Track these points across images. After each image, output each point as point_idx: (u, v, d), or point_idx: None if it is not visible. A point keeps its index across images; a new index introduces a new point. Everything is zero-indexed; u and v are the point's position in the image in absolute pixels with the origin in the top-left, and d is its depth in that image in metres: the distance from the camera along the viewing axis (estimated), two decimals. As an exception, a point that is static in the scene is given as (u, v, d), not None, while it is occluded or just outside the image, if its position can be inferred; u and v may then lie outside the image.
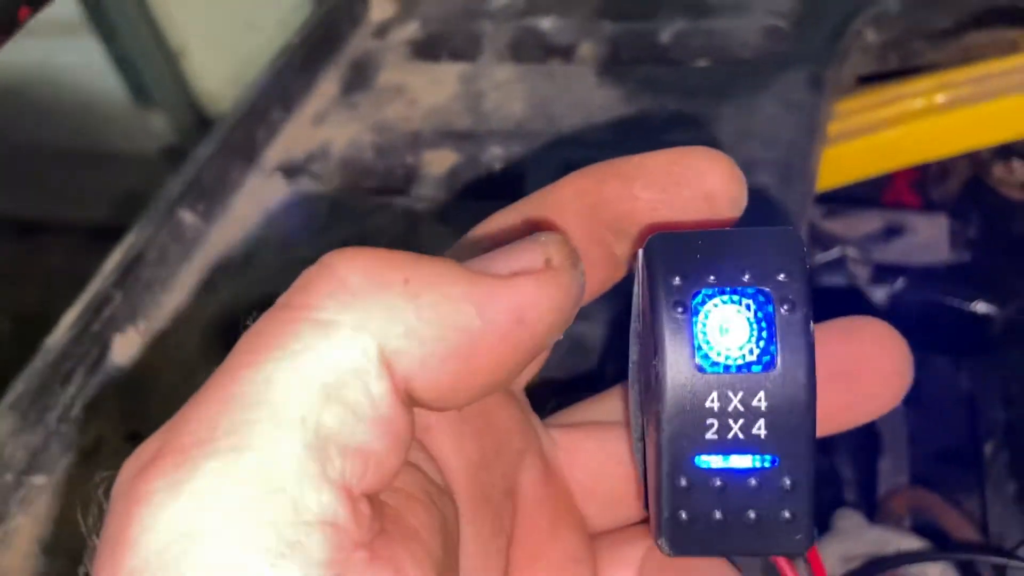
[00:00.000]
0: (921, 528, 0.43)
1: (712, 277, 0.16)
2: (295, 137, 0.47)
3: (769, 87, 0.44)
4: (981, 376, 0.47)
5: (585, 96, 0.46)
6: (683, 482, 0.16)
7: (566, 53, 0.50)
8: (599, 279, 0.19)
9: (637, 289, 0.18)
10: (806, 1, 0.47)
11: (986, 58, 0.47)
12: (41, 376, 0.34)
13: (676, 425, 0.16)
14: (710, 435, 0.16)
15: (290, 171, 0.45)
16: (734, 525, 0.17)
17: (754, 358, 0.16)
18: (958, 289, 0.45)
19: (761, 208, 0.39)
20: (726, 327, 0.16)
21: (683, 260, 0.16)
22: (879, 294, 0.47)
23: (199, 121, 1.01)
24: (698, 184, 0.18)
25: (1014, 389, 0.46)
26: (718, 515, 0.17)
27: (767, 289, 0.16)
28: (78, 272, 0.40)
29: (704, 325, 0.16)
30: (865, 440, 0.51)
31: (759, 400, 0.16)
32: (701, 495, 0.16)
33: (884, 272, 0.47)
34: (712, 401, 0.16)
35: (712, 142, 0.42)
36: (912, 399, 0.56)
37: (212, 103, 1.00)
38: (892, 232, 0.55)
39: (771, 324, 0.16)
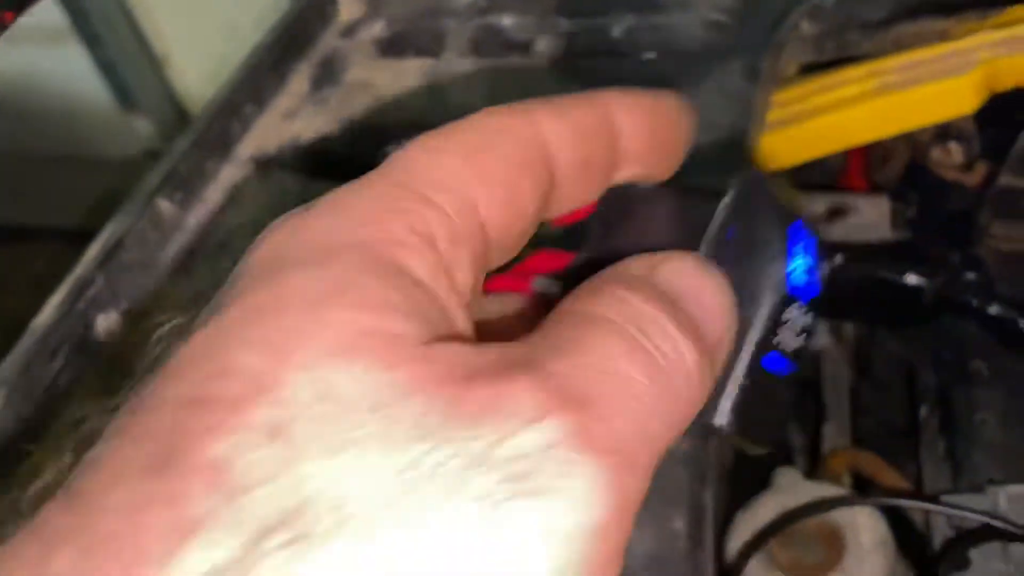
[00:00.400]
0: (858, 486, 0.46)
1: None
2: (267, 131, 0.49)
3: (710, 77, 0.47)
4: (916, 345, 0.50)
5: (540, 89, 0.49)
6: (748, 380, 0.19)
7: (524, 48, 0.53)
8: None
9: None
10: (747, -4, 0.50)
11: (916, 47, 0.50)
12: (28, 353, 0.37)
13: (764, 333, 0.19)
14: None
15: (262, 162, 0.47)
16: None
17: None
18: (892, 264, 0.48)
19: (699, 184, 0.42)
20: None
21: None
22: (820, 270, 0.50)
23: (183, 125, 1.03)
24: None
25: (944, 355, 0.49)
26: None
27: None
28: (64, 277, 0.42)
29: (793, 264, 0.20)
30: (812, 409, 0.54)
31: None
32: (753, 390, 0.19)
33: (826, 249, 0.50)
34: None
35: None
36: (858, 370, 0.59)
37: (196, 106, 1.02)
38: (836, 214, 0.58)
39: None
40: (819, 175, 0.60)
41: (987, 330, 0.46)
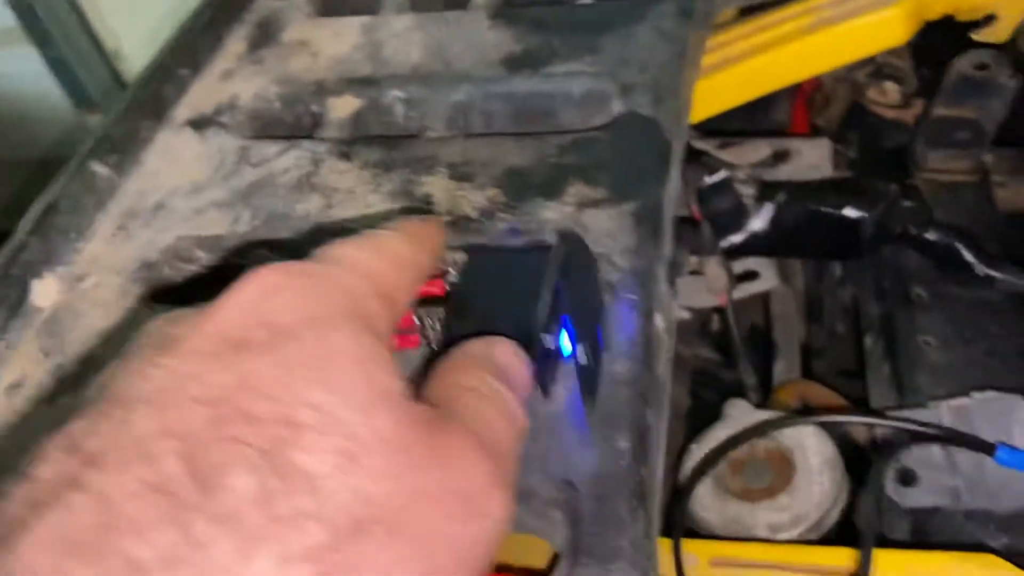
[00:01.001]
0: (807, 414, 0.47)
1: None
2: (204, 93, 0.49)
3: (645, 19, 0.47)
4: (860, 277, 0.51)
5: (478, 39, 0.49)
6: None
7: (463, 2, 0.52)
8: None
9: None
10: (680, -60, 0.50)
11: (848, -17, 0.51)
12: (-37, 318, 0.36)
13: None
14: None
15: (199, 124, 0.47)
16: None
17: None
18: (832, 198, 0.49)
19: (639, 124, 0.42)
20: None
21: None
22: (764, 210, 0.50)
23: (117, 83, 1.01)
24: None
25: (885, 284, 0.50)
26: None
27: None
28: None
29: None
30: (763, 349, 0.55)
31: None
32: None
33: (768, 189, 0.51)
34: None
35: (588, 72, 0.45)
36: (806, 308, 0.60)
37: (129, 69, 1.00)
38: (780, 157, 0.58)
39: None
40: (766, 122, 0.61)
41: (926, 256, 0.47)
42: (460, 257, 0.29)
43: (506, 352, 0.25)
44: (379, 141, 0.44)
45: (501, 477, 0.21)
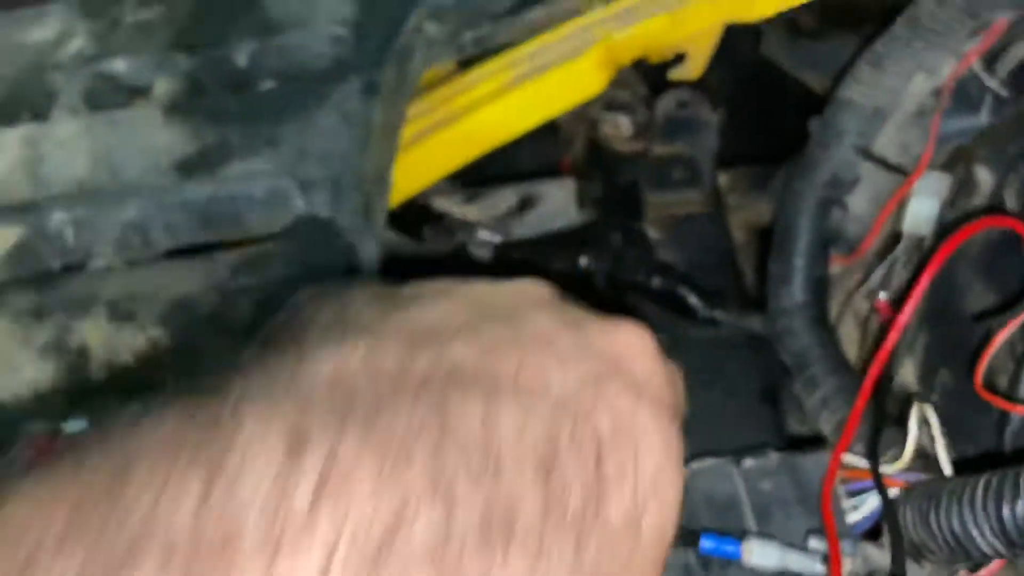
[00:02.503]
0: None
1: None
2: None
3: (329, 100, 0.43)
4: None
5: (150, 139, 0.44)
6: None
7: (144, 93, 0.47)
8: None
9: None
10: (363, 4, 0.47)
11: (550, 29, 0.49)
12: None
13: None
14: None
15: None
16: None
17: None
18: (565, 251, 0.47)
19: (318, 228, 0.39)
20: None
21: None
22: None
23: None
24: None
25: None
26: None
27: None
28: None
29: None
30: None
31: None
32: None
33: (505, 249, 0.49)
34: None
35: (267, 170, 0.41)
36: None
37: None
38: (526, 204, 0.57)
39: None
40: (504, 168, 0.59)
41: (657, 303, 0.47)
42: None
43: None
44: (34, 282, 0.39)
45: None
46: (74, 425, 0.32)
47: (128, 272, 0.38)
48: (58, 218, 0.42)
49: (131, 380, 0.34)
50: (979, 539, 0.29)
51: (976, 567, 0.33)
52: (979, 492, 0.29)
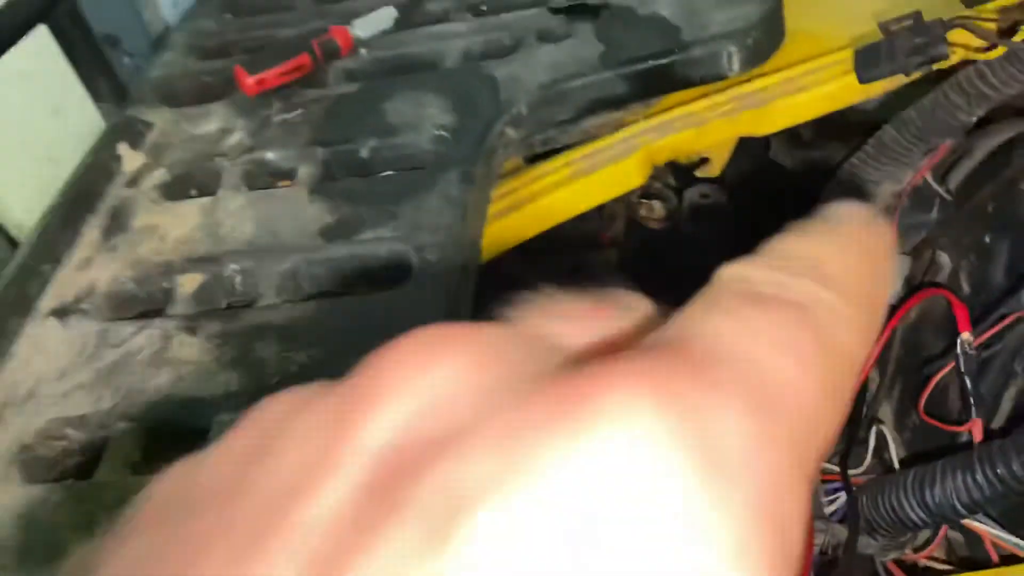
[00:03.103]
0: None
1: None
2: (64, 283, 0.56)
3: (435, 186, 0.58)
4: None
5: (300, 211, 0.58)
6: None
7: (288, 176, 0.62)
8: None
9: None
10: (461, 114, 0.62)
11: (600, 136, 0.63)
12: None
13: None
14: None
15: (61, 312, 0.54)
16: None
17: None
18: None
19: (426, 282, 0.52)
20: None
21: None
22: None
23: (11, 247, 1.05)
24: None
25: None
26: None
27: None
28: None
29: None
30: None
31: None
32: None
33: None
34: None
35: (390, 237, 0.55)
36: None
37: (20, 232, 1.05)
38: (576, 272, 0.70)
39: None
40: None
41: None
42: None
43: None
44: (220, 313, 0.53)
45: None
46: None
47: (288, 308, 0.52)
48: (232, 268, 0.56)
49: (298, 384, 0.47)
50: (912, 514, 0.40)
51: (918, 549, 0.44)
52: (911, 480, 0.41)
